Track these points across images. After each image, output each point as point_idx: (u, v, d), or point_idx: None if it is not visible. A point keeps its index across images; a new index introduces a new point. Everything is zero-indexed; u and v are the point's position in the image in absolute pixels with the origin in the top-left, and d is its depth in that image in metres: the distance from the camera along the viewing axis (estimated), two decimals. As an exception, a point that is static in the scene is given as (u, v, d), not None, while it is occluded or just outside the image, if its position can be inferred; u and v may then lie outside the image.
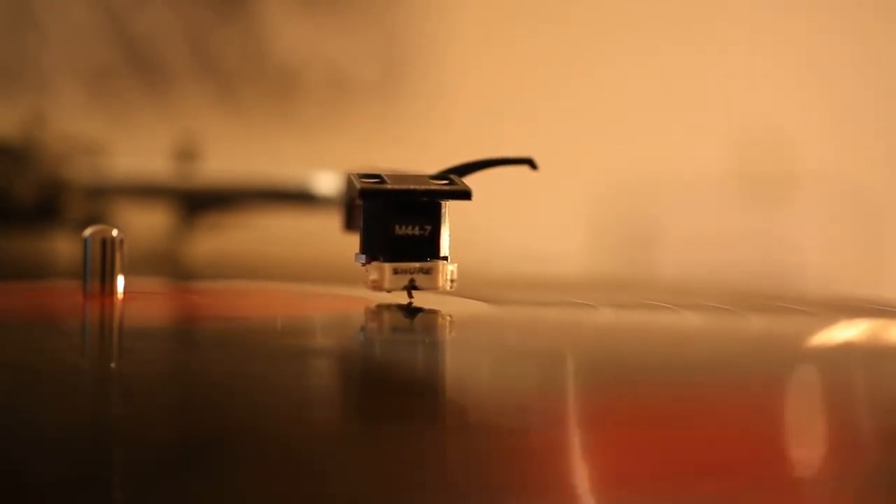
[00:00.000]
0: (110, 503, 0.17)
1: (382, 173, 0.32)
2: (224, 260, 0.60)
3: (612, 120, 0.86)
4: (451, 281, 0.33)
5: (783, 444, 0.21)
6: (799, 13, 0.86)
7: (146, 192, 0.62)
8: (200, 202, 0.61)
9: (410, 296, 0.33)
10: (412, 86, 0.88)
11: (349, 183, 0.33)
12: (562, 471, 0.19)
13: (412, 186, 0.32)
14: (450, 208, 0.33)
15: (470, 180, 0.33)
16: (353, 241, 0.33)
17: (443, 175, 0.33)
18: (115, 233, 0.33)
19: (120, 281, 0.33)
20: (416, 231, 0.32)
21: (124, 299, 0.33)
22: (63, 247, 0.59)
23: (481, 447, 0.20)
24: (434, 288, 0.32)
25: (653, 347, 0.30)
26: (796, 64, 0.86)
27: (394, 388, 0.25)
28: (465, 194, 0.32)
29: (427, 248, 0.32)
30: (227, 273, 0.52)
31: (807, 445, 0.21)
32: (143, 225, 0.60)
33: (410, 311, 0.33)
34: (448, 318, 0.34)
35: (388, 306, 0.34)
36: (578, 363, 0.28)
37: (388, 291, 0.32)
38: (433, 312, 0.34)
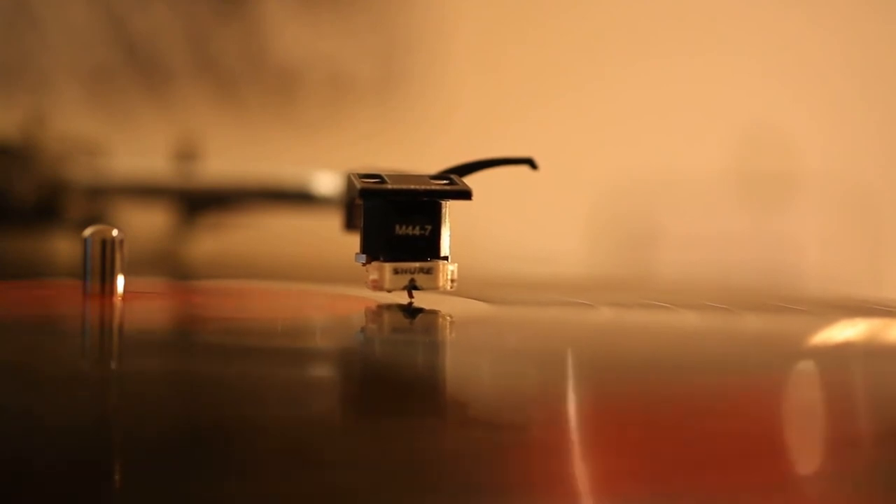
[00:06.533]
0: (110, 503, 0.17)
1: (383, 173, 0.32)
2: (224, 260, 0.60)
3: (612, 120, 0.86)
4: (452, 281, 0.33)
5: (783, 443, 0.21)
6: (799, 13, 0.86)
7: (146, 192, 0.62)
8: (200, 202, 0.61)
9: (411, 295, 0.33)
10: (412, 86, 0.88)
11: (349, 183, 0.33)
12: (562, 470, 0.19)
13: (412, 186, 0.32)
14: (450, 208, 0.33)
15: (470, 180, 0.33)
16: (354, 241, 0.33)
17: (443, 175, 0.33)
18: (115, 233, 0.33)
19: (120, 281, 0.33)
20: (417, 231, 0.32)
21: (124, 299, 0.33)
22: (63, 247, 0.59)
23: (482, 447, 0.20)
24: (434, 288, 0.32)
25: (652, 347, 0.30)
26: (796, 64, 0.86)
27: (394, 388, 0.25)
28: (466, 194, 0.32)
29: (427, 248, 0.32)
30: (227, 273, 0.52)
31: (806, 444, 0.21)
32: (143, 225, 0.60)
33: (411, 310, 0.33)
34: (448, 318, 0.34)
35: (389, 306, 0.34)
36: (578, 363, 0.28)
37: (389, 291, 0.32)
38: (433, 312, 0.34)
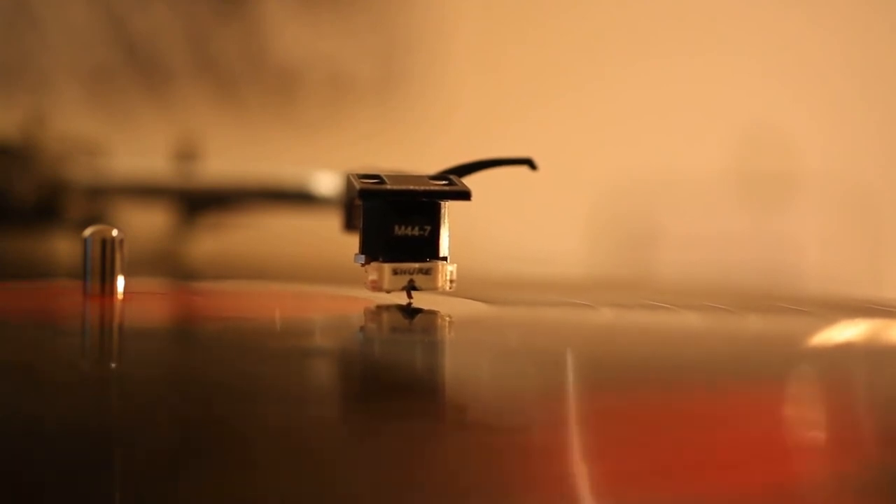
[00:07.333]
0: (110, 503, 0.17)
1: (382, 174, 0.32)
2: (224, 260, 0.60)
3: (611, 120, 0.86)
4: (451, 281, 0.33)
5: (783, 443, 0.21)
6: (799, 13, 0.86)
7: (146, 192, 0.62)
8: (200, 202, 0.61)
9: (410, 296, 0.33)
10: (412, 86, 0.88)
11: (349, 183, 0.33)
12: (561, 471, 0.19)
13: (412, 187, 0.32)
14: (449, 209, 0.33)
15: (469, 180, 0.33)
16: (353, 242, 0.33)
17: (442, 175, 0.33)
18: (115, 233, 0.33)
19: (120, 281, 0.33)
20: (416, 231, 0.32)
21: (124, 299, 0.33)
22: (63, 247, 0.59)
23: (481, 447, 0.20)
24: (433, 288, 0.32)
25: (653, 347, 0.30)
26: (796, 64, 0.86)
27: (393, 388, 0.25)
28: (465, 195, 0.32)
29: (426, 249, 0.32)
30: (227, 273, 0.52)
31: (806, 445, 0.21)
32: (143, 225, 0.60)
33: (410, 311, 0.33)
34: (447, 318, 0.34)
35: (388, 307, 0.34)
36: (578, 363, 0.28)
37: (388, 292, 0.32)
38: (432, 313, 0.34)
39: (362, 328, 0.34)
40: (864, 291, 0.71)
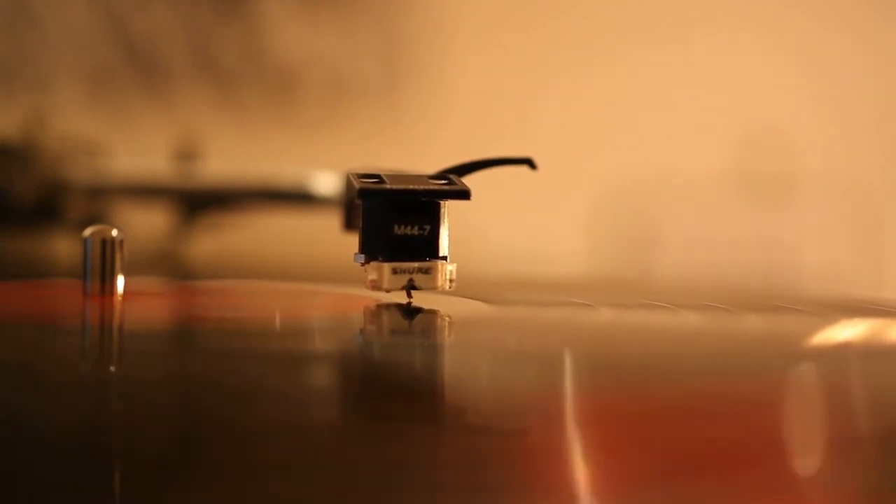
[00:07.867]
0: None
1: (382, 173, 0.32)
2: (224, 260, 0.60)
3: (611, 120, 0.86)
4: (450, 281, 0.33)
5: (782, 443, 0.21)
6: (799, 12, 0.86)
7: (146, 192, 0.62)
8: (200, 202, 0.61)
9: (409, 295, 0.33)
10: (412, 85, 0.88)
11: (348, 183, 0.33)
12: (561, 471, 0.19)
13: (411, 186, 0.32)
14: (449, 208, 0.33)
15: (469, 180, 0.33)
16: (353, 241, 0.33)
17: (442, 175, 0.33)
18: (115, 233, 0.33)
19: (120, 281, 0.33)
20: (416, 231, 0.32)
21: (124, 299, 0.33)
22: (63, 247, 0.59)
23: (481, 448, 0.20)
24: (433, 288, 0.32)
25: (652, 347, 0.30)
26: (797, 64, 0.86)
27: (392, 388, 0.25)
28: (464, 194, 0.32)
29: (426, 248, 0.32)
30: (227, 273, 0.52)
31: (806, 445, 0.21)
32: (143, 225, 0.60)
33: (409, 311, 0.33)
34: (447, 318, 0.34)
35: (387, 306, 0.34)
36: (578, 364, 0.28)
37: (387, 291, 0.32)
38: (432, 312, 0.34)
39: (362, 328, 0.34)
40: (864, 291, 0.71)
